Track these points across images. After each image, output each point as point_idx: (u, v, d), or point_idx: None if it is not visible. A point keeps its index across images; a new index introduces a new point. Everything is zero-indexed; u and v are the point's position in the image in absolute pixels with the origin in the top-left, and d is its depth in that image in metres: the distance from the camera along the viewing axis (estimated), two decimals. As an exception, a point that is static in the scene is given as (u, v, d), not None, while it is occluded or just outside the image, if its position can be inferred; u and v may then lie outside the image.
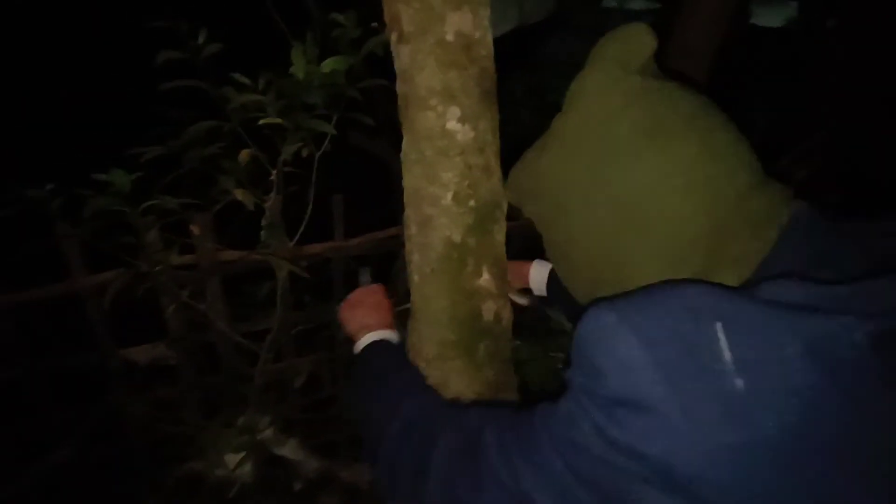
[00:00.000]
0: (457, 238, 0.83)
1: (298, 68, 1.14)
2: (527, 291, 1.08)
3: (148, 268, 1.09)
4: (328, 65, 1.17)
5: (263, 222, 1.14)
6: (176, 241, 1.13)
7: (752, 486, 0.37)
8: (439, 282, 0.84)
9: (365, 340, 0.86)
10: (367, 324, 0.88)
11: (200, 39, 1.03)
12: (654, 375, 0.39)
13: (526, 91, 2.79)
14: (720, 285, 0.44)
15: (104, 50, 2.69)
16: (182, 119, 1.10)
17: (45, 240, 1.09)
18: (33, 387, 1.35)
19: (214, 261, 1.27)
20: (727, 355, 0.38)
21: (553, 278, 1.01)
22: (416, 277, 0.87)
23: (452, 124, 0.79)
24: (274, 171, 1.15)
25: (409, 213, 0.87)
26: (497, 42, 0.84)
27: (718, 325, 0.39)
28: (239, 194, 1.07)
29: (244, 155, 1.09)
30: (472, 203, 0.83)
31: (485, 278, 0.85)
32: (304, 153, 1.27)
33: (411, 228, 0.87)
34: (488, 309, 0.87)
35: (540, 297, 1.05)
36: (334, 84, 1.20)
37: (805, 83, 3.19)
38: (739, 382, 0.37)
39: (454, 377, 0.87)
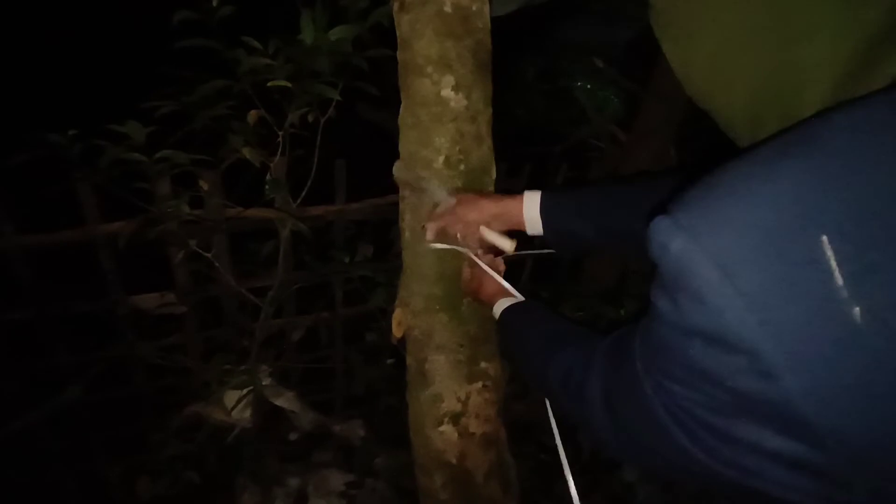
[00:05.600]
0: (446, 199, 0.89)
1: (307, 34, 1.18)
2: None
3: (159, 217, 1.15)
4: (336, 33, 1.21)
5: (268, 178, 1.21)
6: (185, 194, 1.19)
7: (875, 430, 0.31)
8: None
9: (500, 306, 0.84)
10: (494, 291, 0.87)
11: (214, 2, 1.08)
12: (742, 312, 0.32)
13: (538, 75, 2.80)
14: (836, 148, 0.32)
15: (121, 7, 2.74)
16: (193, 79, 1.15)
17: (61, 185, 1.16)
18: (45, 329, 1.43)
19: (222, 216, 1.34)
20: (837, 278, 0.30)
21: (550, 207, 0.80)
22: (407, 234, 0.93)
23: (447, 92, 0.85)
24: (280, 133, 1.21)
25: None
26: (509, 23, 0.88)
27: (824, 239, 0.30)
28: (246, 152, 1.13)
29: (253, 115, 1.14)
30: (462, 167, 0.89)
31: (471, 238, 0.92)
32: (311, 118, 1.32)
33: (405, 190, 0.93)
34: (473, 268, 0.93)
35: (535, 238, 0.85)
36: (341, 52, 1.25)
37: None
38: (856, 311, 0.29)
39: (439, 329, 0.94)
